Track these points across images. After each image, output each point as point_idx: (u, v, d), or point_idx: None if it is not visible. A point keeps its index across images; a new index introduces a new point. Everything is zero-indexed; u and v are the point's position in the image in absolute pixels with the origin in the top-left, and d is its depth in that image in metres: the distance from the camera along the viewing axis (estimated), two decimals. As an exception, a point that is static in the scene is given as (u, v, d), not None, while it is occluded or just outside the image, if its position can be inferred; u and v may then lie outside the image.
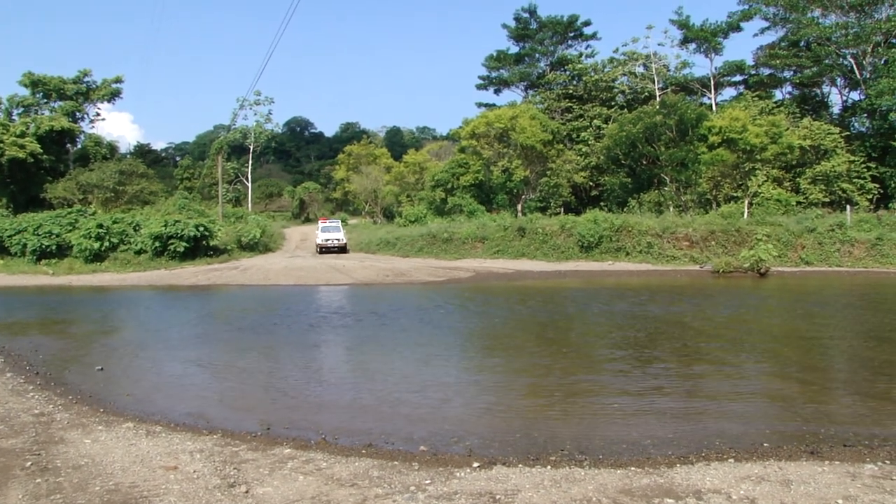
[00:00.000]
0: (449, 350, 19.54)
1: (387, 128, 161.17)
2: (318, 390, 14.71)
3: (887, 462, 9.73)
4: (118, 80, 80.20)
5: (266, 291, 33.94)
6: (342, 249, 53.14)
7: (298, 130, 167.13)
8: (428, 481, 8.93)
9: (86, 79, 78.74)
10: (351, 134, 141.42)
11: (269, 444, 10.66)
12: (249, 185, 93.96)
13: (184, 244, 44.98)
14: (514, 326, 23.44)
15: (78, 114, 78.20)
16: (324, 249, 52.43)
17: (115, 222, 46.90)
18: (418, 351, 19.01)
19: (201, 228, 46.33)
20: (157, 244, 44.92)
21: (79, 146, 78.92)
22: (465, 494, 8.42)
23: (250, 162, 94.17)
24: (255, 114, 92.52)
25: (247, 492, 8.40)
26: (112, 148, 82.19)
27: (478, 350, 19.65)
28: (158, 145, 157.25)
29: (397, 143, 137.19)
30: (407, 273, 39.34)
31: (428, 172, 74.34)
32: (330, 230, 54.80)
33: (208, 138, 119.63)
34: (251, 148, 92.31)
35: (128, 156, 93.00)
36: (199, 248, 46.60)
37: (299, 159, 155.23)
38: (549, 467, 9.66)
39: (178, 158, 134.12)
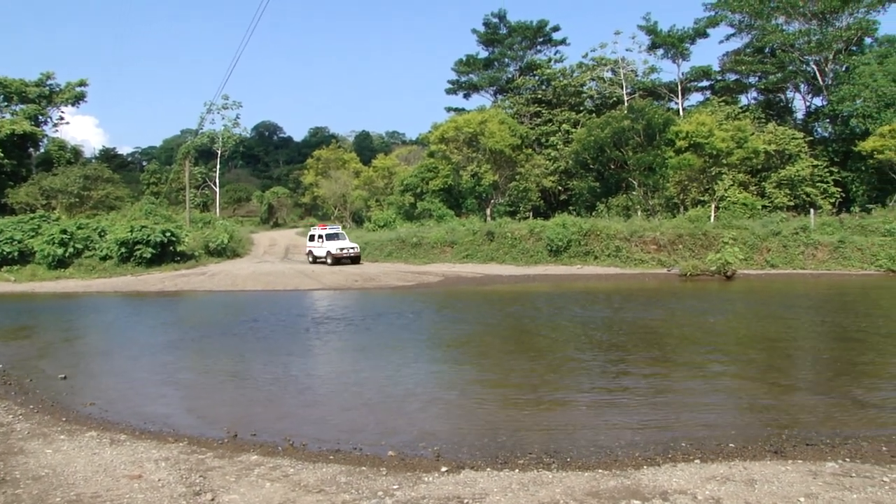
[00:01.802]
0: (418, 355, 19.50)
1: (356, 132, 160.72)
2: (286, 396, 14.61)
3: (847, 460, 9.88)
4: (82, 84, 79.26)
5: (234, 297, 33.70)
6: (356, 259, 48.49)
7: (267, 135, 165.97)
8: (396, 486, 8.90)
9: (49, 82, 77.70)
10: (320, 138, 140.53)
11: (236, 451, 10.56)
12: (217, 189, 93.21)
13: (150, 250, 44.52)
14: (484, 331, 23.46)
15: (41, 117, 77.17)
16: (337, 260, 47.06)
17: (79, 228, 46.34)
18: (386, 356, 18.95)
19: (168, 234, 45.91)
20: (123, 250, 44.41)
21: (42, 150, 77.89)
22: (432, 499, 8.40)
23: (218, 166, 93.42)
24: (223, 118, 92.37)
25: (213, 500, 8.31)
26: (76, 152, 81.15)
27: (447, 355, 19.63)
28: (124, 150, 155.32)
29: (366, 147, 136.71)
30: (376, 278, 39.25)
31: (397, 177, 74.26)
32: (338, 237, 49.84)
33: (175, 143, 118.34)
34: (219, 152, 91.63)
35: (93, 160, 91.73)
36: (165, 253, 46.16)
37: (268, 164, 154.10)
38: (517, 471, 9.67)
39: (144, 163, 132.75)
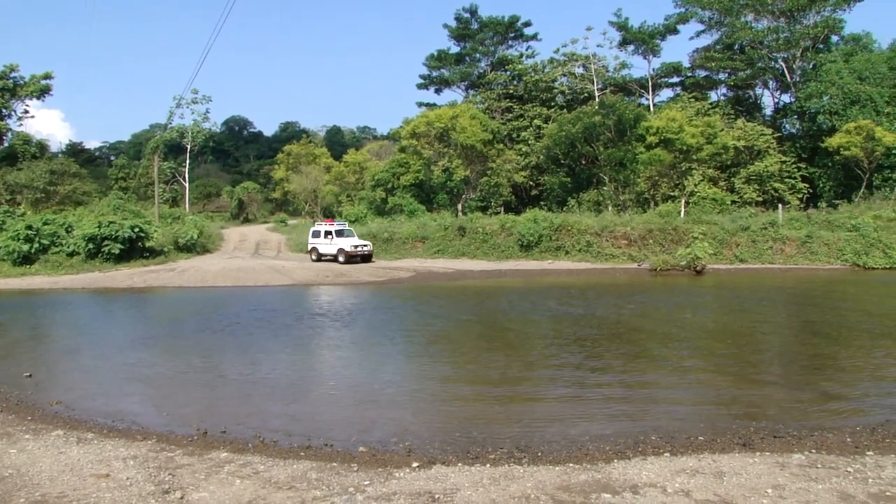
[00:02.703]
0: (389, 351, 19.45)
1: (327, 127, 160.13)
2: (256, 393, 14.52)
3: (813, 451, 10.02)
4: (48, 77, 77.92)
5: (204, 293, 33.42)
6: (367, 258, 46.15)
7: (237, 130, 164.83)
8: (367, 482, 8.88)
9: (12, 74, 76.21)
10: (290, 133, 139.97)
11: (206, 449, 10.47)
12: (187, 185, 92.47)
13: (119, 246, 43.95)
14: (455, 326, 23.47)
15: (4, 111, 75.83)
16: (349, 258, 44.49)
17: (45, 223, 45.62)
18: (357, 351, 18.93)
19: (137, 229, 45.35)
20: (90, 246, 43.80)
21: (6, 144, 76.56)
22: (403, 495, 8.39)
23: (187, 161, 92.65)
24: (193, 112, 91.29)
25: (182, 497, 8.24)
26: (42, 146, 79.87)
27: (418, 350, 19.61)
28: (92, 144, 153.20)
29: (337, 142, 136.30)
30: (347, 273, 39.11)
31: (368, 172, 74.06)
32: (348, 234, 47.21)
33: (144, 137, 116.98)
34: (188, 147, 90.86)
35: (59, 155, 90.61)
36: (134, 249, 45.60)
37: (238, 159, 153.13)
38: (488, 465, 9.69)
39: (112, 158, 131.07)
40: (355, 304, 28.95)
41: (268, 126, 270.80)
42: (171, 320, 25.60)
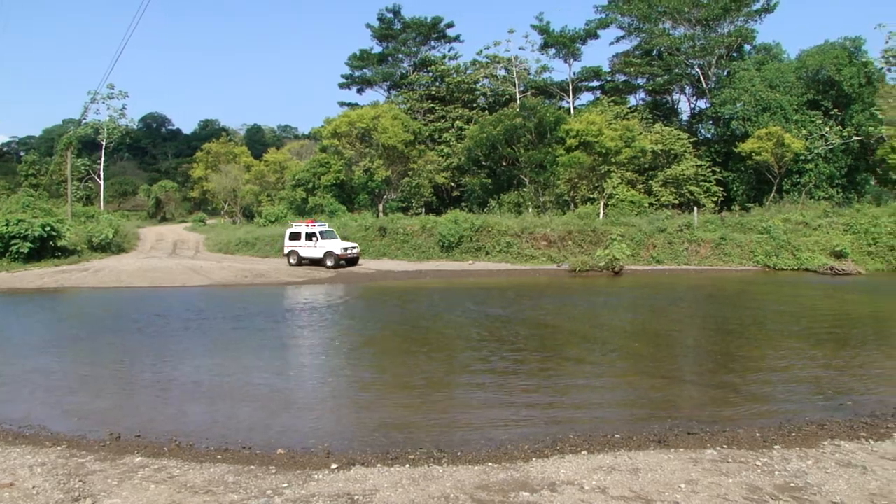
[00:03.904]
0: (308, 352, 19.31)
1: (247, 126, 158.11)
2: (172, 396, 14.21)
3: (725, 446, 10.33)
4: (-48, 69, 75.00)
5: (119, 294, 32.55)
6: (354, 261, 43.93)
7: (155, 127, 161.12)
8: (285, 485, 8.78)
9: None
10: (210, 131, 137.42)
11: (119, 453, 10.20)
12: (102, 182, 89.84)
13: (28, 245, 42.43)
14: (374, 326, 23.38)
15: None
16: (337, 262, 42.12)
17: (-54, 221, 43.82)
18: (276, 353, 18.70)
19: (48, 228, 43.84)
20: (-4, 244, 42.25)
21: None
22: (322, 496, 8.32)
23: (103, 158, 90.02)
24: (108, 108, 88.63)
25: (92, 504, 8.00)
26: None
27: (337, 350, 19.47)
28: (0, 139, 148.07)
29: (258, 141, 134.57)
30: (266, 274, 38.62)
31: (289, 172, 73.35)
32: (330, 235, 44.72)
33: (56, 133, 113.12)
34: (104, 144, 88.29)
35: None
36: (45, 248, 44.09)
37: (156, 157, 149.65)
38: (407, 466, 9.68)
39: (21, 153, 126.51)
40: (273, 305, 28.63)
41: (187, 124, 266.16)
42: (83, 322, 24.83)
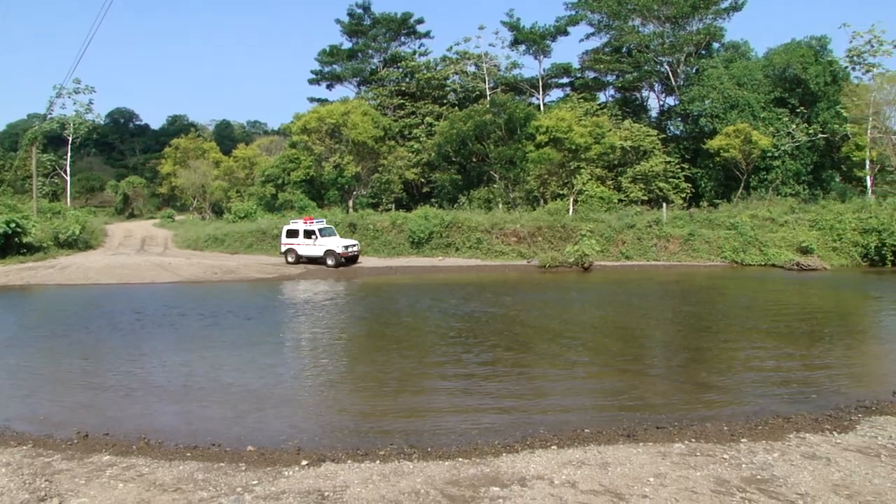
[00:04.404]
0: (279, 349, 19.25)
1: (216, 121, 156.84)
2: (141, 394, 14.12)
3: (693, 440, 10.46)
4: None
5: (86, 291, 32.21)
6: (354, 259, 42.46)
7: (122, 122, 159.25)
8: (255, 482, 8.77)
9: None
10: (178, 127, 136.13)
11: (87, 452, 10.13)
12: (68, 178, 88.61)
13: (-8, 241, 41.88)
14: (345, 323, 23.38)
15: None
16: (339, 261, 40.58)
17: None
18: (246, 350, 18.61)
19: (13, 224, 43.18)
20: (-41, 241, 41.57)
21: None
22: (293, 493, 8.33)
23: (69, 154, 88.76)
24: (75, 103, 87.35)
25: (58, 504, 7.93)
26: None
27: (308, 347, 19.44)
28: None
29: (227, 137, 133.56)
30: (236, 270, 38.39)
31: (258, 167, 72.83)
32: (329, 232, 43.03)
33: (21, 127, 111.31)
34: (70, 139, 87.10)
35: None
36: (10, 245, 43.42)
37: (123, 152, 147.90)
38: (378, 462, 9.72)
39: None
40: (244, 302, 28.47)
41: (155, 119, 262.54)
42: (50, 320, 24.55)
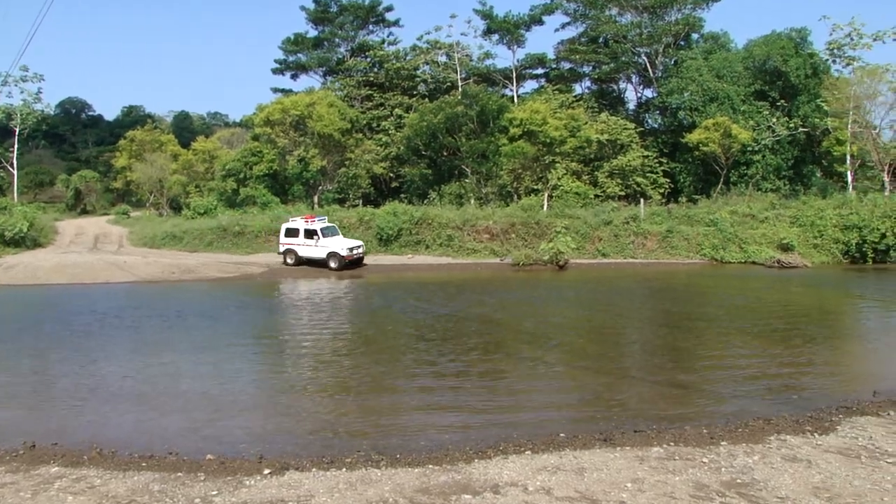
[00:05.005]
0: (239, 352, 19.11)
1: (174, 112, 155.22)
2: (93, 400, 13.96)
3: (671, 444, 10.52)
4: None
5: (35, 292, 31.83)
6: (359, 262, 40.65)
7: (74, 112, 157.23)
8: (215, 492, 8.70)
9: None
10: (134, 118, 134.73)
11: (34, 464, 9.99)
12: (15, 172, 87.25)
13: (-69, 239, 41.21)
14: (309, 324, 23.28)
15: None
16: (348, 263, 38.98)
17: None
18: (205, 354, 18.47)
19: (-47, 221, 42.63)
20: None
21: None
22: (255, 504, 8.26)
23: (16, 146, 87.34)
24: (22, 92, 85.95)
25: (1, 518, 7.81)
26: None
27: (270, 350, 19.35)
28: None
29: (186, 129, 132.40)
30: (195, 269, 38.08)
31: (219, 161, 72.27)
32: (332, 232, 41.01)
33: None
34: (17, 130, 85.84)
35: None
36: (-50, 243, 42.87)
37: (75, 145, 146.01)
38: (344, 470, 9.68)
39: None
40: (202, 302, 28.27)
41: (109, 110, 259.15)
42: (-7, 321, 24.21)
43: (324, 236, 39.79)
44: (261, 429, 12.21)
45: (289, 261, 40.52)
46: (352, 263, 39.52)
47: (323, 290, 31.63)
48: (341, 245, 39.48)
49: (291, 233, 40.64)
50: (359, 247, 40.68)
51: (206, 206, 60.49)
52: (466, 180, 58.04)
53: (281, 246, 41.33)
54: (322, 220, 41.76)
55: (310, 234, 39.84)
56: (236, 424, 12.44)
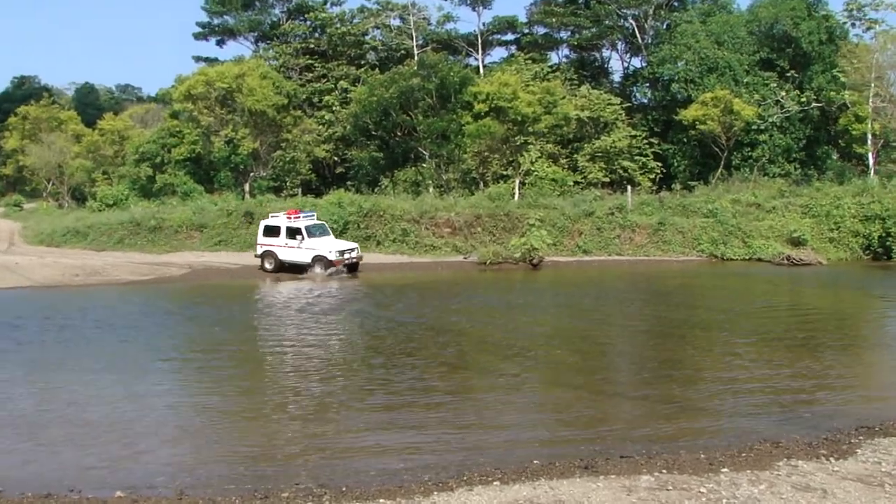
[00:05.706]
0: (154, 370, 18.95)
1: (77, 85, 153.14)
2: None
3: (664, 471, 10.53)
4: None
5: None
6: (354, 267, 38.80)
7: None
8: (121, 537, 8.59)
9: None
10: (27, 91, 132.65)
11: None
12: None
13: None
14: (242, 336, 23.15)
15: None
16: (342, 268, 37.36)
17: None
18: (113, 373, 18.27)
19: None
20: None
21: None
22: (170, 549, 8.20)
23: None
24: None
25: None
26: None
27: (189, 366, 19.23)
28: None
29: (91, 104, 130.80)
30: (103, 271, 37.70)
31: (131, 143, 71.67)
32: (320, 231, 39.02)
33: None
34: None
35: None
36: None
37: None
38: (278, 506, 9.60)
39: None
40: (111, 310, 28.03)
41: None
42: None
43: (310, 236, 37.81)
44: (182, 460, 12.11)
45: (267, 265, 38.62)
46: (348, 269, 38.10)
47: (257, 296, 31.46)
48: (330, 247, 37.61)
49: (271, 231, 38.75)
50: (352, 250, 38.85)
51: (115, 197, 59.95)
52: (424, 165, 57.96)
53: (258, 247, 39.41)
54: (309, 217, 40.12)
55: (293, 233, 37.79)
56: (151, 455, 12.33)
